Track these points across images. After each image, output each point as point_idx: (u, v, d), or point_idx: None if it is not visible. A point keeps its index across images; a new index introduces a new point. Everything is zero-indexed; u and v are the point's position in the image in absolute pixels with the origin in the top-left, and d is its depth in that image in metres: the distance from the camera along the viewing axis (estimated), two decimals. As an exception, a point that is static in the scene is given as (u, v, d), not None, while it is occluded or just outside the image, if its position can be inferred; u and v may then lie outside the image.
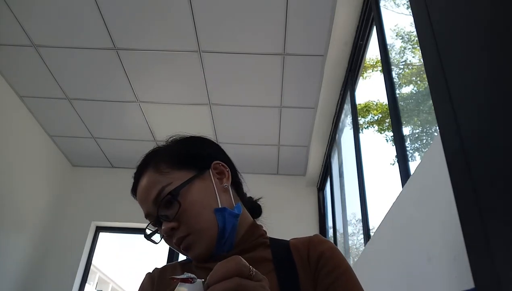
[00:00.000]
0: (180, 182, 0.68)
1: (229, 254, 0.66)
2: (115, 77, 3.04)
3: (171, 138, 0.78)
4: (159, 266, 0.76)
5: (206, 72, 2.94)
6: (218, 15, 2.50)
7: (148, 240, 0.72)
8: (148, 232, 0.72)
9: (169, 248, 3.90)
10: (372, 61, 2.58)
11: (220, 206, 0.69)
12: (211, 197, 0.69)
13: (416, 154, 1.73)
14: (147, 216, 0.71)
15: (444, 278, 0.98)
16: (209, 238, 0.66)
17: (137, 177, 0.74)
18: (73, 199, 4.06)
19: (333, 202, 3.44)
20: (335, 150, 3.48)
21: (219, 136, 3.63)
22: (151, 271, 0.75)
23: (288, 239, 0.74)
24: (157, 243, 0.72)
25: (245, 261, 0.46)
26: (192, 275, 0.48)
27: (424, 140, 1.80)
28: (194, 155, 0.74)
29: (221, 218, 0.67)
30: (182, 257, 0.78)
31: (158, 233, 0.72)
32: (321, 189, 4.08)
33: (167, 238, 0.69)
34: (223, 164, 0.76)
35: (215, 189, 0.71)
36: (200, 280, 0.48)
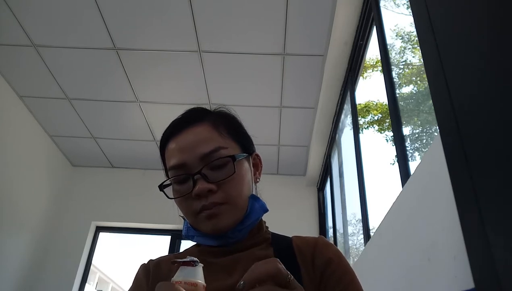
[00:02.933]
0: (236, 152, 0.67)
1: (235, 245, 0.66)
2: (115, 77, 3.04)
3: (224, 109, 0.76)
4: (154, 258, 0.74)
5: (206, 72, 2.94)
6: (218, 15, 2.50)
7: (161, 190, 0.68)
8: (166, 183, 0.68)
9: (169, 247, 3.91)
10: (372, 61, 2.58)
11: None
12: (250, 181, 0.70)
13: (416, 153, 1.73)
14: (179, 166, 0.65)
15: (444, 278, 0.98)
16: (238, 215, 0.65)
17: (187, 122, 0.69)
18: (73, 199, 4.06)
19: (333, 202, 3.44)
20: (335, 150, 3.48)
21: (219, 136, 3.63)
22: (145, 262, 0.73)
23: (290, 236, 0.73)
24: (169, 198, 0.67)
25: (283, 266, 0.45)
26: (195, 259, 0.49)
27: (424, 140, 1.80)
28: (247, 136, 0.75)
29: (252, 205, 0.67)
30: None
31: (176, 188, 0.67)
32: (321, 189, 4.08)
33: (195, 198, 0.63)
34: (260, 158, 0.76)
35: (252, 176, 0.71)
36: (201, 264, 0.49)
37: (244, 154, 0.69)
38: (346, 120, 3.04)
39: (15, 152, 3.31)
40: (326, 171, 3.80)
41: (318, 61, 2.78)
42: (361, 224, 2.32)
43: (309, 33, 2.58)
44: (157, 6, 2.45)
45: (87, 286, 3.80)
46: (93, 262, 3.93)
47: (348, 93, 2.74)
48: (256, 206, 0.67)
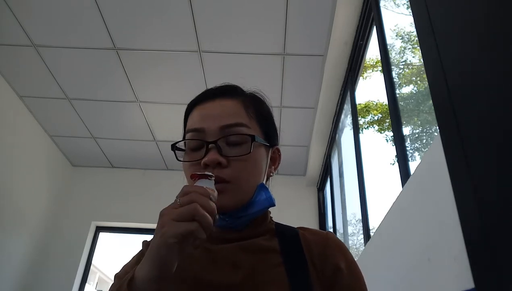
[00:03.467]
0: (259, 136, 0.65)
1: (237, 234, 0.64)
2: (115, 77, 3.04)
3: (259, 93, 0.75)
4: None
5: (206, 72, 2.94)
6: (218, 15, 2.50)
7: (172, 149, 0.67)
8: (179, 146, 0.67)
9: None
10: (372, 61, 2.58)
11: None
12: (263, 171, 0.67)
13: (416, 153, 1.73)
14: (197, 131, 0.64)
15: (444, 278, 0.98)
16: (241, 199, 0.63)
17: (219, 93, 0.69)
18: (73, 199, 4.06)
19: (333, 202, 3.44)
20: (335, 150, 3.48)
21: (219, 136, 3.63)
22: (149, 240, 0.71)
23: (295, 227, 0.70)
24: (178, 159, 0.66)
25: None
26: (210, 173, 0.56)
27: (424, 140, 1.80)
28: (275, 127, 0.74)
29: (258, 194, 0.64)
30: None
31: (188, 153, 0.65)
32: (321, 189, 4.08)
33: (203, 167, 0.61)
34: (280, 154, 0.74)
35: (267, 168, 0.69)
36: (213, 178, 0.56)
37: (265, 141, 0.67)
38: (346, 120, 3.04)
39: (15, 152, 3.31)
40: (326, 171, 3.80)
41: (318, 61, 2.78)
42: (361, 224, 2.32)
43: (309, 33, 2.58)
44: (157, 6, 2.45)
45: (87, 286, 3.80)
46: (93, 262, 3.93)
47: (348, 93, 2.74)
48: (263, 197, 0.64)
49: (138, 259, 0.67)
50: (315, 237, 0.66)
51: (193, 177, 0.56)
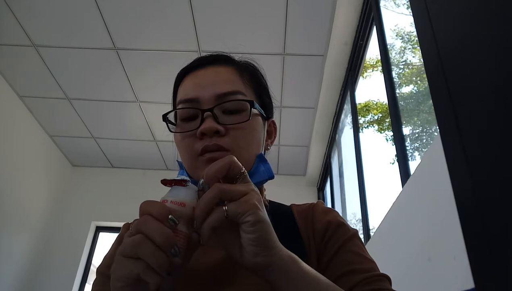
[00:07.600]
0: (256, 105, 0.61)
1: None
2: (115, 77, 3.04)
3: (253, 62, 0.70)
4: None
5: (206, 72, 2.94)
6: (218, 15, 2.50)
7: (164, 120, 0.62)
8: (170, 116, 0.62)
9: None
10: (372, 61, 2.58)
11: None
12: (261, 142, 0.63)
13: (416, 153, 1.73)
14: (190, 100, 0.59)
15: (444, 278, 0.98)
16: None
17: (211, 60, 0.64)
18: (73, 199, 4.06)
19: (333, 202, 3.44)
20: (335, 150, 3.48)
21: (219, 136, 3.63)
22: (130, 222, 0.66)
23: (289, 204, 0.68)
24: (170, 131, 0.62)
25: (237, 161, 0.44)
26: (186, 178, 0.43)
27: (424, 140, 1.80)
28: (269, 99, 0.70)
29: (257, 166, 0.60)
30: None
31: (180, 124, 0.61)
32: (321, 189, 4.08)
33: (199, 137, 0.57)
34: (276, 127, 0.71)
35: (264, 141, 0.65)
36: (193, 185, 0.43)
37: (262, 110, 0.63)
38: (346, 120, 3.04)
39: (15, 152, 3.31)
40: (326, 171, 3.80)
41: (318, 61, 2.78)
42: (361, 224, 2.32)
43: (309, 33, 2.58)
44: (157, 6, 2.45)
45: (87, 286, 3.80)
46: (93, 262, 3.93)
47: (348, 93, 2.74)
48: (262, 168, 0.60)
49: (117, 246, 0.63)
50: (305, 208, 0.65)
51: (165, 183, 0.44)
